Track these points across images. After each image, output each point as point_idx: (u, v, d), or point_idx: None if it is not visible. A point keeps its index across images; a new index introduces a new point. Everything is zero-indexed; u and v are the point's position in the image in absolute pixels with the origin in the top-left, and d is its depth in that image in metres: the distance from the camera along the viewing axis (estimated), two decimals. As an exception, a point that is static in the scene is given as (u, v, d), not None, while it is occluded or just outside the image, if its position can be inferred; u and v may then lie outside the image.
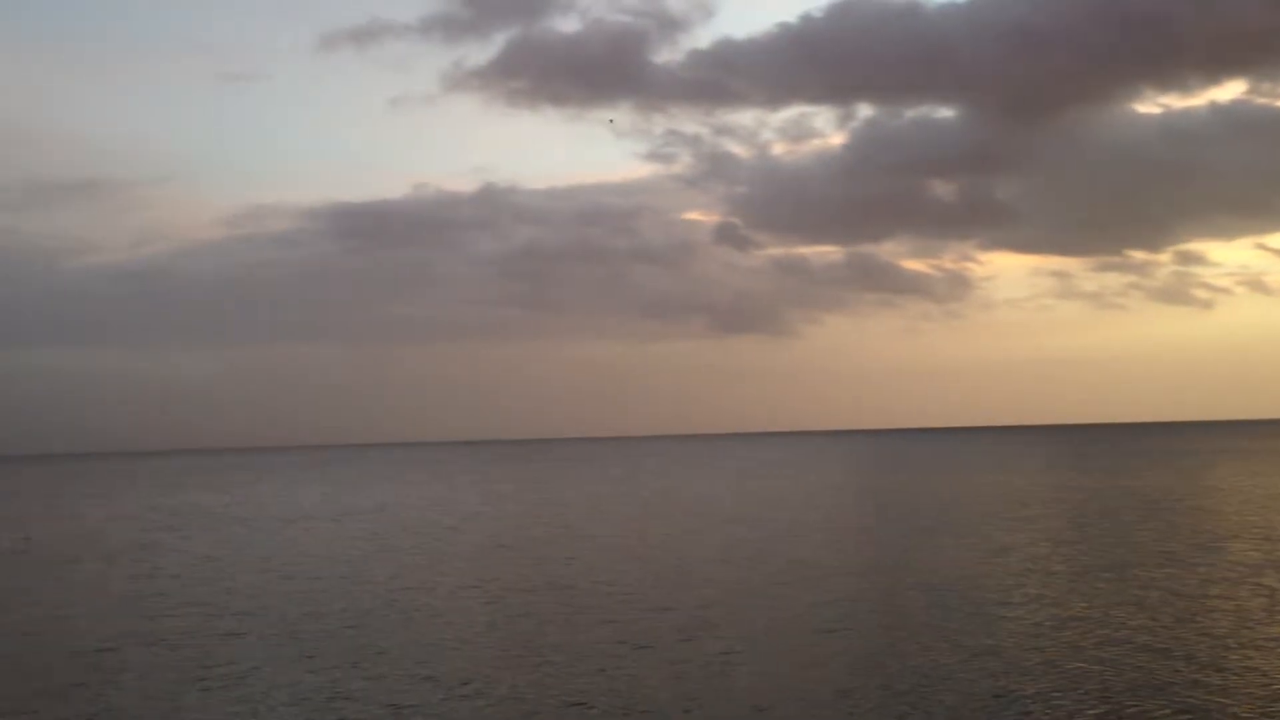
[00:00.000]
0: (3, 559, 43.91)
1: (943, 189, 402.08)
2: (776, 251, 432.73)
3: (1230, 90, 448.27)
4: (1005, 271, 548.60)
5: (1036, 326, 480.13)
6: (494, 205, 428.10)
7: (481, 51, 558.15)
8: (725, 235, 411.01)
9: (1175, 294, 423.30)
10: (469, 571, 35.17)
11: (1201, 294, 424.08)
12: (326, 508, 69.66)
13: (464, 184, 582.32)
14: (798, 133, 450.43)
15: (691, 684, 19.35)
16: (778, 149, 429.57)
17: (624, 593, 29.59)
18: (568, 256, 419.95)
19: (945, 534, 42.79)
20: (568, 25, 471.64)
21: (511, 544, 43.79)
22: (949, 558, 35.20)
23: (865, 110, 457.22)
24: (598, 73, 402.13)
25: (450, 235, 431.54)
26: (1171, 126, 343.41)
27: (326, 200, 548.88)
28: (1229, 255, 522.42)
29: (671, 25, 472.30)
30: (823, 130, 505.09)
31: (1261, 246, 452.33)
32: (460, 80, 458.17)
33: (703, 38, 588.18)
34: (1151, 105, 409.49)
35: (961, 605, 26.17)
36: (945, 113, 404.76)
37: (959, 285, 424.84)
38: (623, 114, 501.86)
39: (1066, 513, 51.47)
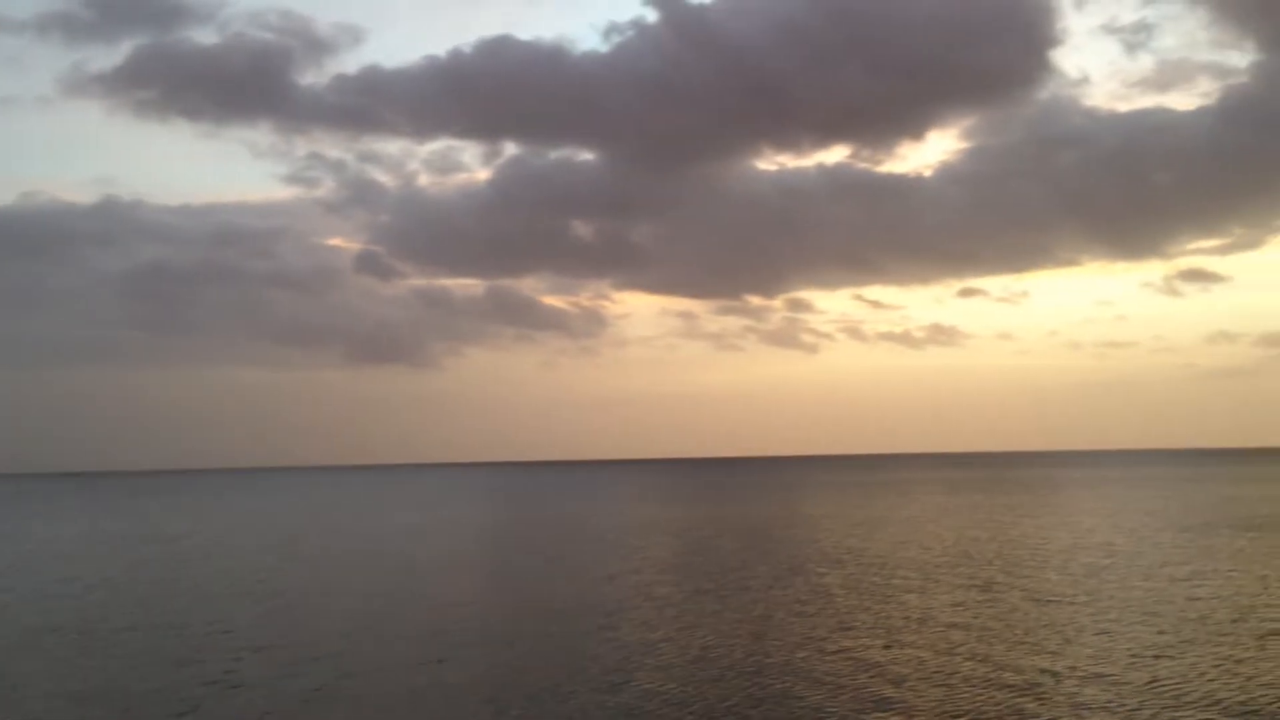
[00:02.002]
0: None
1: (582, 229, 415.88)
2: (419, 282, 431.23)
3: (836, 154, 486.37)
4: (637, 310, 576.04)
5: (664, 364, 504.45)
6: (117, 219, 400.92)
7: (107, 57, 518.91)
8: (367, 263, 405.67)
9: (785, 338, 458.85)
10: (59, 612, 32.70)
11: (808, 339, 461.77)
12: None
13: (82, 195, 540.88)
14: (444, 166, 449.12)
15: None
16: (423, 180, 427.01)
17: (226, 631, 28.62)
18: (199, 278, 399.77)
19: (563, 563, 44.39)
20: (205, 37, 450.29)
21: (118, 582, 41.03)
22: (563, 585, 36.56)
23: (511, 148, 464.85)
24: (236, 89, 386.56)
25: (65, 249, 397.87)
26: (785, 184, 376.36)
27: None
28: (832, 304, 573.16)
29: (317, 47, 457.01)
30: (469, 165, 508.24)
31: (859, 298, 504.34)
32: (81, 85, 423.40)
33: (350, 63, 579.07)
34: (769, 163, 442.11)
35: (568, 630, 27.39)
36: (586, 156, 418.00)
37: (594, 322, 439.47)
38: (262, 134, 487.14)
39: (675, 541, 54.65)
